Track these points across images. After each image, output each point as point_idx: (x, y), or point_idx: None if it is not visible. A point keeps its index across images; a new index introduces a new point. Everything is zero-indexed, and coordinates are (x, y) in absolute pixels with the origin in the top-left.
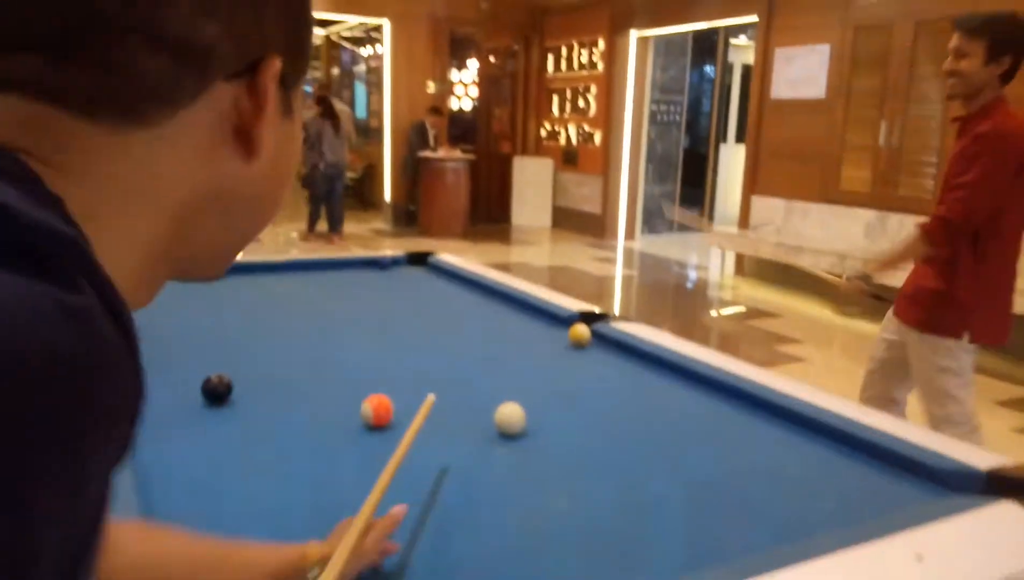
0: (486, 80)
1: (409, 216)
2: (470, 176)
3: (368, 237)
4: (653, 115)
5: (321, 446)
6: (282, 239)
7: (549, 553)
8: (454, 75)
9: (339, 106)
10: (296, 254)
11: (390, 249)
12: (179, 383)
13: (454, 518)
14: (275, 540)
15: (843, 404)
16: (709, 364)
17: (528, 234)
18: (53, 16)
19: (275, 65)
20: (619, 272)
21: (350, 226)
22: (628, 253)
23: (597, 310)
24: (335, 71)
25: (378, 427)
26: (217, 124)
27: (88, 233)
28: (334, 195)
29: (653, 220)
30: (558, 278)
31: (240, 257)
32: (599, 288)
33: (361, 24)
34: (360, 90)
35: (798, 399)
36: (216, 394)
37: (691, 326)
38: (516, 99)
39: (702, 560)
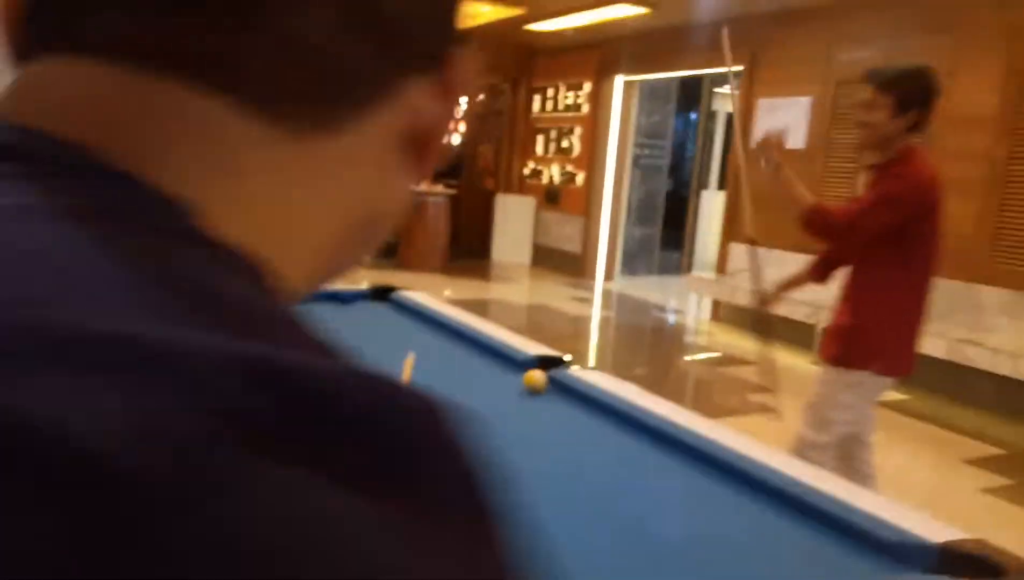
0: (473, 117)
1: (389, 249)
2: (452, 211)
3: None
4: (636, 158)
5: None
6: None
7: None
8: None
9: None
10: None
11: (365, 282)
12: None
13: None
14: None
15: (795, 465)
16: (661, 416)
17: (508, 270)
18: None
19: (460, 60)
20: (596, 313)
21: None
22: (606, 294)
23: (557, 355)
24: None
25: None
26: (383, 135)
27: (280, 239)
28: None
29: (633, 262)
30: (534, 316)
31: None
32: (575, 328)
33: None
34: None
35: (747, 458)
36: None
37: (664, 370)
38: (502, 137)
39: None
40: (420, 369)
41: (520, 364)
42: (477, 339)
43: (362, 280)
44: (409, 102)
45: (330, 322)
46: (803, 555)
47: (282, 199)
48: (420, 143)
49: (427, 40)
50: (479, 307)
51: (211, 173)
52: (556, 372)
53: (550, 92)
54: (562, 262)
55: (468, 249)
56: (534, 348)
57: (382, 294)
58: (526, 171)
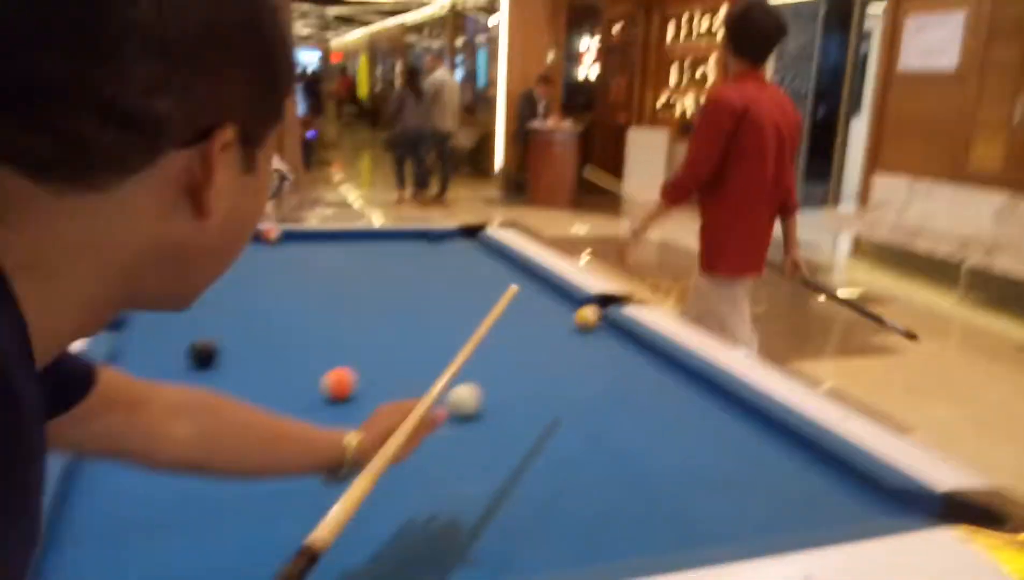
0: (606, 49)
1: (519, 185)
2: (582, 147)
3: (477, 205)
4: (779, 84)
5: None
6: (378, 200)
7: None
8: (579, 44)
9: (441, 76)
10: (383, 217)
11: (497, 217)
12: (175, 344)
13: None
14: None
15: (824, 407)
16: (698, 355)
17: (639, 207)
18: (14, 80)
19: (225, 135)
20: None
21: (462, 193)
22: None
23: (619, 293)
24: (459, 41)
25: (338, 400)
26: (168, 188)
27: (26, 282)
28: (418, 157)
29: None
30: (662, 253)
31: (297, 225)
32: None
33: None
34: (482, 59)
35: (772, 399)
36: (200, 358)
37: (790, 308)
38: (634, 69)
39: (598, 551)
40: (481, 305)
41: (580, 301)
42: (546, 276)
43: (493, 216)
44: (172, 168)
45: (413, 258)
46: (804, 492)
47: (53, 229)
48: (194, 196)
49: (181, 128)
50: (603, 243)
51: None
52: (611, 310)
53: (684, 18)
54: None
55: (599, 186)
56: (605, 286)
57: (471, 232)
58: (659, 103)
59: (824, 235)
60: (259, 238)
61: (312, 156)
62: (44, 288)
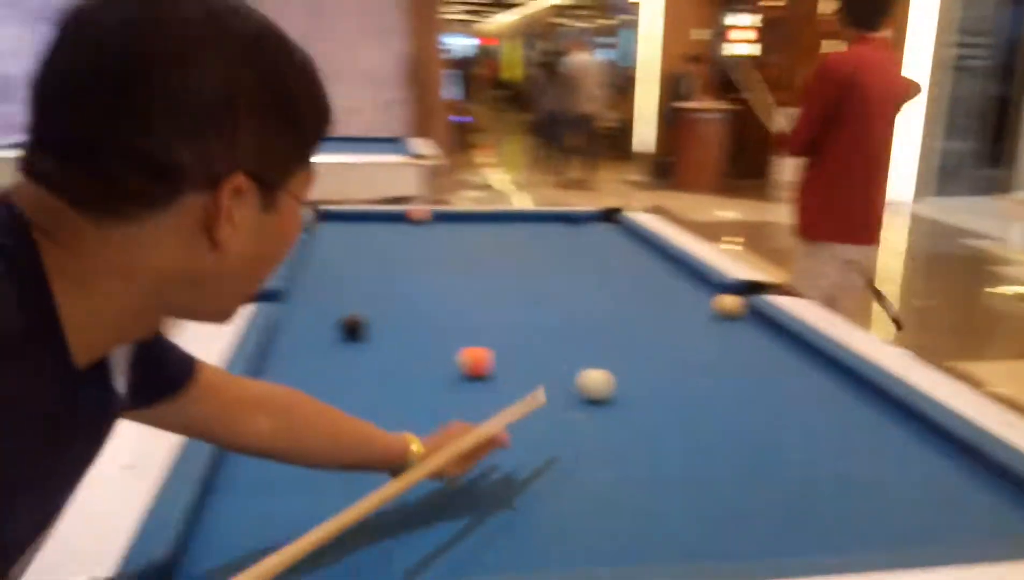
0: (764, 26)
1: (665, 168)
2: (733, 128)
3: (621, 187)
4: (954, 60)
5: (420, 388)
6: (524, 183)
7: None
8: (731, 20)
9: (579, 59)
10: (515, 198)
11: (641, 200)
12: (329, 316)
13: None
14: None
15: (989, 412)
16: (848, 350)
17: (789, 191)
18: (66, 131)
19: (234, 182)
20: (892, 238)
21: (606, 175)
22: (911, 217)
23: (765, 281)
24: (606, 21)
25: (474, 378)
26: (188, 223)
27: (79, 289)
28: (559, 139)
29: (948, 180)
30: None
31: (443, 207)
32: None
33: None
34: (628, 38)
35: (930, 400)
36: (349, 330)
37: (959, 303)
38: (791, 45)
39: (729, 548)
40: (618, 290)
41: (724, 287)
42: (685, 261)
43: (633, 200)
44: (191, 207)
45: (554, 241)
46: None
47: (92, 249)
48: (209, 233)
49: (197, 175)
50: (750, 229)
51: (55, 231)
52: (755, 298)
53: None
54: None
55: (749, 167)
56: (749, 273)
57: (610, 216)
58: None
59: (998, 223)
60: (407, 219)
61: (462, 140)
62: (84, 295)
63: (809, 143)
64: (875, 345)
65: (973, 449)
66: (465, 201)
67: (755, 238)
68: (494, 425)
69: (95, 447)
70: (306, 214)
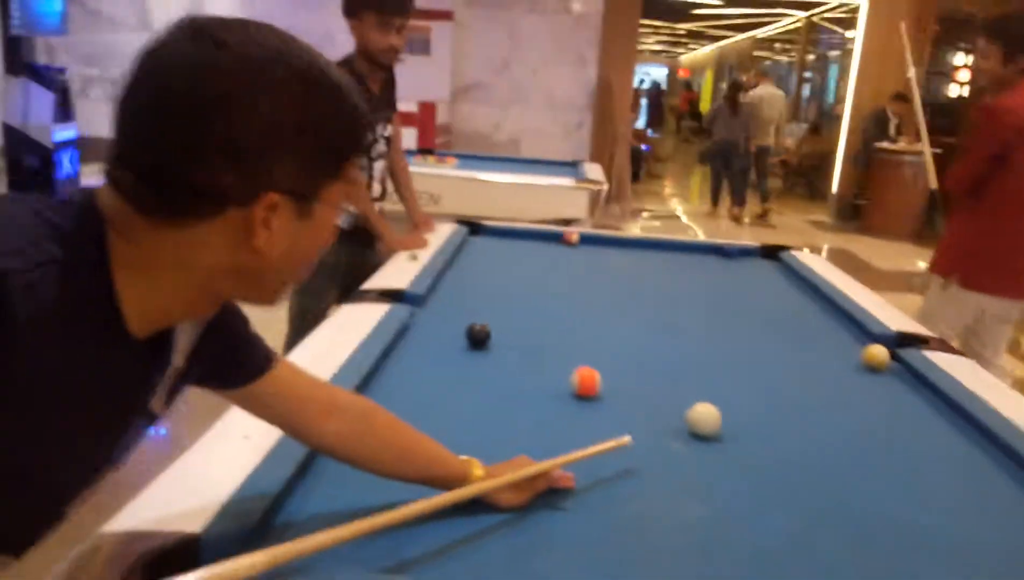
0: (978, 67)
1: (854, 210)
2: (938, 172)
3: (805, 227)
4: None
5: (534, 403)
6: (699, 213)
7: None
8: (949, 60)
9: (759, 91)
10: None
11: (824, 242)
12: (459, 324)
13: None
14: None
15: None
16: (997, 414)
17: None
18: (146, 156)
19: (269, 200)
20: None
21: (791, 214)
22: None
23: (919, 334)
24: (810, 56)
25: (584, 397)
26: (231, 231)
27: (137, 275)
28: (731, 170)
29: None
30: None
31: (600, 231)
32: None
33: (843, 5)
34: (833, 75)
35: None
36: (474, 339)
37: None
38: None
39: None
40: (764, 331)
41: (875, 337)
42: (843, 306)
43: (818, 241)
44: (236, 218)
45: (708, 272)
46: None
47: (152, 246)
48: (249, 239)
49: (239, 194)
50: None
51: (124, 229)
52: (906, 352)
53: None
54: None
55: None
56: (909, 326)
57: (772, 252)
58: None
59: None
60: (561, 240)
61: (641, 169)
62: (141, 280)
63: (973, 184)
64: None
65: None
66: (634, 228)
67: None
68: (562, 460)
69: (144, 402)
70: (458, 228)
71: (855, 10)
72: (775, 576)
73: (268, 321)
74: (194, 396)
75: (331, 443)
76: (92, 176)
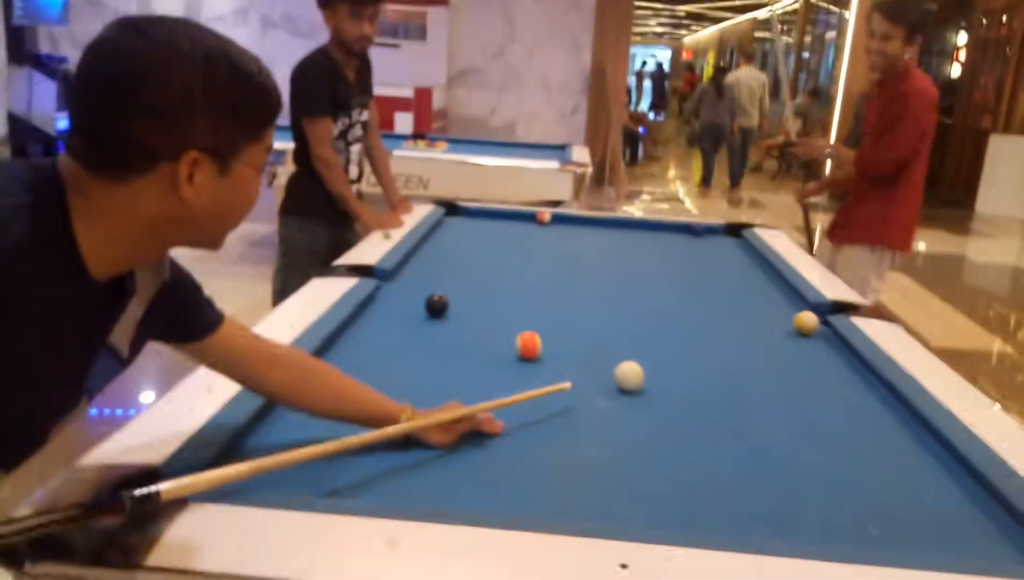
0: (976, 46)
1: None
2: (934, 153)
3: (796, 208)
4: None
5: (480, 364)
6: (681, 191)
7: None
8: (944, 41)
9: (748, 73)
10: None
11: (816, 222)
12: (421, 295)
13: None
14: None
15: None
16: (907, 376)
17: (993, 225)
18: (89, 123)
19: (190, 157)
20: None
21: (787, 198)
22: None
23: (851, 302)
24: (807, 37)
25: (526, 358)
26: (162, 184)
27: (91, 223)
28: (719, 151)
29: None
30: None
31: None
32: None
33: None
34: (830, 55)
35: (976, 440)
36: (433, 309)
37: None
38: (1006, 67)
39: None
40: (717, 297)
41: (812, 306)
42: (790, 279)
43: (813, 222)
44: (165, 173)
45: (671, 249)
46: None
47: (100, 198)
48: (176, 191)
49: (166, 152)
50: (942, 263)
51: (78, 185)
52: (836, 318)
53: None
54: None
55: (948, 197)
56: (849, 296)
57: (735, 230)
58: None
59: None
60: (535, 220)
61: (638, 151)
62: (95, 227)
63: (901, 166)
64: (940, 376)
65: (979, 475)
66: (633, 210)
67: (939, 272)
68: (491, 405)
69: (104, 335)
70: (436, 209)
71: None
72: (665, 503)
73: (255, 302)
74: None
75: (274, 390)
76: None
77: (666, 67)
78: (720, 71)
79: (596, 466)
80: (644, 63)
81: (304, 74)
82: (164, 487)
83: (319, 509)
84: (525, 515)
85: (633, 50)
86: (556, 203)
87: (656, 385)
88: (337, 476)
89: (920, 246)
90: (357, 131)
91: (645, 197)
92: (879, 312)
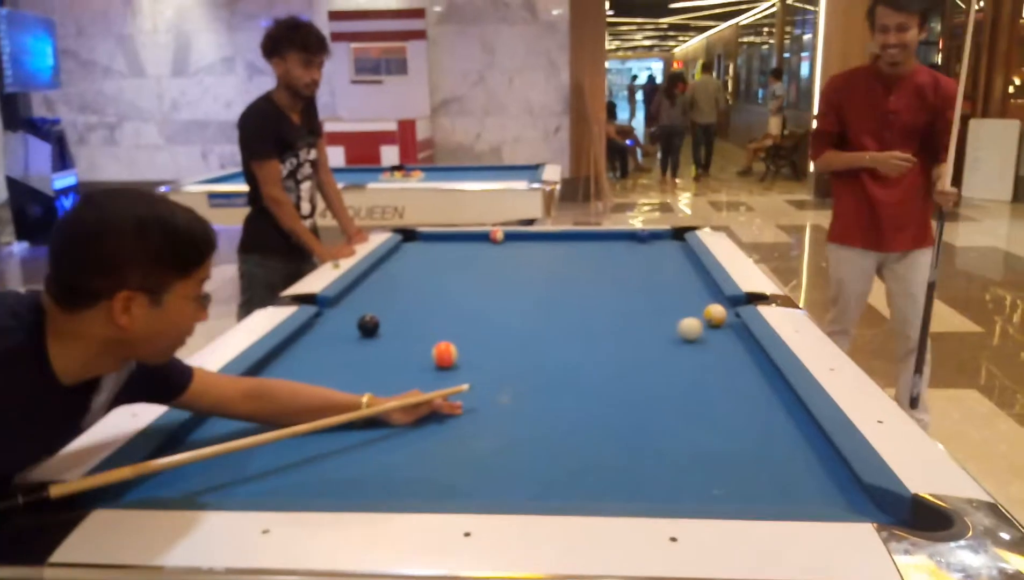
0: (948, 34)
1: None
2: None
3: (780, 208)
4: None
5: (398, 374)
6: (688, 202)
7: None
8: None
9: (705, 80)
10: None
11: (800, 220)
12: (355, 318)
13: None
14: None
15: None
16: (791, 362)
17: (977, 210)
18: (55, 271)
19: (121, 297)
20: None
21: (775, 195)
22: None
23: (764, 292)
24: (786, 39)
25: (443, 367)
26: (106, 315)
27: (61, 343)
28: (673, 149)
29: None
30: (1009, 266)
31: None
32: None
33: None
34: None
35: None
36: (365, 329)
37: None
38: (980, 53)
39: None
40: (644, 298)
41: (728, 299)
42: (716, 275)
43: (796, 218)
44: (105, 307)
45: (617, 257)
46: (804, 479)
47: (63, 325)
48: (115, 320)
49: (107, 292)
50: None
51: (48, 315)
52: (743, 309)
53: None
54: None
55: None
56: (768, 288)
57: (680, 234)
58: (1011, 89)
59: None
60: (487, 238)
61: (627, 164)
62: (63, 346)
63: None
64: (828, 362)
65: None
66: (621, 223)
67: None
68: (432, 396)
69: (71, 431)
70: (392, 237)
71: None
72: (517, 480)
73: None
74: None
75: (249, 416)
76: None
77: (659, 79)
78: (672, 83)
79: (481, 456)
80: (635, 76)
81: (248, 121)
82: (53, 486)
83: (198, 507)
84: (395, 501)
85: (628, 64)
86: (531, 221)
87: (564, 381)
88: (222, 475)
89: None
90: (306, 169)
91: (644, 207)
92: (789, 301)
